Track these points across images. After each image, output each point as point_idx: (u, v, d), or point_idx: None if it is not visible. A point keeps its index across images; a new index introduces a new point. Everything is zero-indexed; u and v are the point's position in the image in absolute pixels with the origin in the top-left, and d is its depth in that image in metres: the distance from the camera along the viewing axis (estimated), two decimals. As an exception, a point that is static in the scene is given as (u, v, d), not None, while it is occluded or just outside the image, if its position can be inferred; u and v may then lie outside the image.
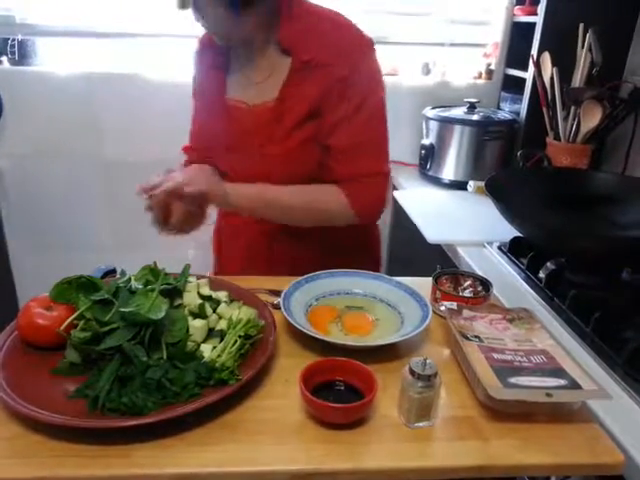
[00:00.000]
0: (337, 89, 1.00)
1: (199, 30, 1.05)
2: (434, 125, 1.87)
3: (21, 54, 1.91)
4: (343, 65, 0.99)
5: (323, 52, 0.99)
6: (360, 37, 1.03)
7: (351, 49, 1.01)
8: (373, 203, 1.08)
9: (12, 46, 1.89)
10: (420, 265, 1.67)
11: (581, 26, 1.58)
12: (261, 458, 0.63)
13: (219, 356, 0.73)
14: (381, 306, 0.94)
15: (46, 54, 1.96)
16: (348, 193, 1.04)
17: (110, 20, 1.90)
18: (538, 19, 1.70)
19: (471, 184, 1.78)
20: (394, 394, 0.71)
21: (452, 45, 2.07)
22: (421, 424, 0.68)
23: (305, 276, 0.96)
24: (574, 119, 1.59)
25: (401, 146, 2.07)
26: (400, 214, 1.71)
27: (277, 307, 0.91)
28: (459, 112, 1.87)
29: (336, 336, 0.85)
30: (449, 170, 1.86)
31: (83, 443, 0.63)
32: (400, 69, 2.06)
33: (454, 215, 1.61)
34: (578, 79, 1.60)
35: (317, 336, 0.81)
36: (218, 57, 1.10)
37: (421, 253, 1.58)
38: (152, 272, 0.83)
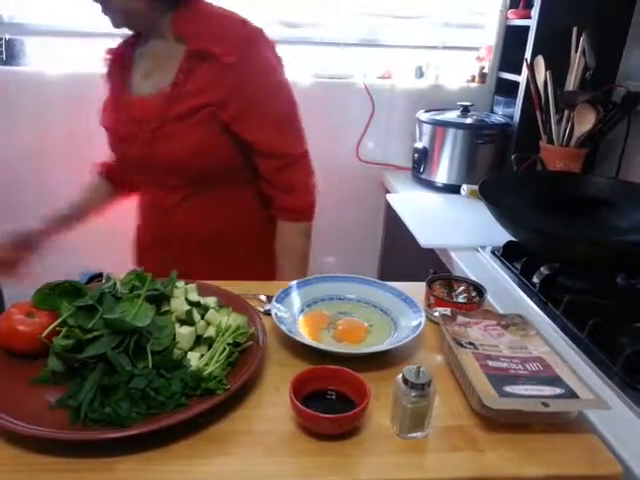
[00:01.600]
0: (230, 78, 1.02)
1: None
2: (427, 128, 1.86)
3: (9, 54, 1.88)
4: (231, 54, 1.01)
5: (214, 42, 1.02)
6: (249, 29, 1.05)
7: (239, 39, 1.03)
8: (309, 202, 1.14)
9: (0, 45, 1.85)
10: (413, 269, 1.66)
11: (574, 30, 1.58)
12: (250, 471, 0.61)
13: (207, 364, 0.71)
14: (374, 312, 0.92)
15: (35, 54, 1.93)
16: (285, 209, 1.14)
17: (100, 20, 1.87)
18: (532, 22, 1.69)
19: (464, 188, 1.76)
20: (387, 403, 0.69)
21: (445, 48, 2.06)
22: (414, 434, 0.66)
23: (296, 281, 0.94)
24: (567, 123, 1.59)
25: (394, 149, 2.06)
26: (393, 218, 1.69)
27: (267, 313, 0.89)
28: (452, 115, 1.86)
29: (328, 343, 0.84)
30: (442, 174, 1.85)
31: (63, 456, 0.61)
32: (393, 72, 2.05)
33: (447, 219, 1.59)
34: (571, 83, 1.59)
35: (308, 343, 0.79)
36: (124, 57, 1.15)
37: (414, 257, 1.57)
38: (138, 277, 0.80)
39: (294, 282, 0.94)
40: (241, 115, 1.04)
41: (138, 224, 1.24)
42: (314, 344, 0.79)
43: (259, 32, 1.06)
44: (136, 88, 1.12)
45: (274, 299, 0.88)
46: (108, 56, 1.18)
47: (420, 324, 0.83)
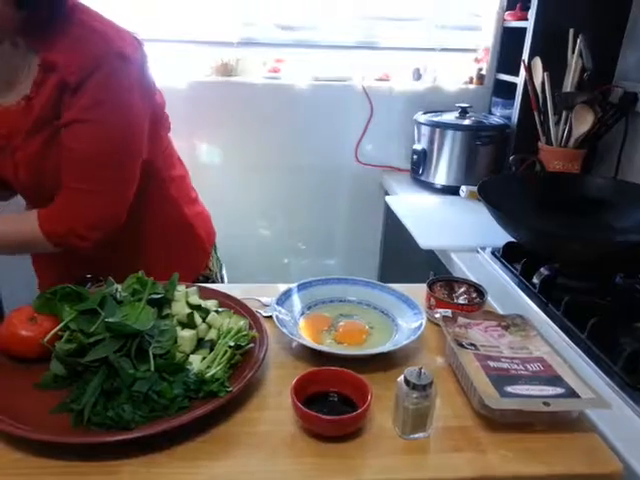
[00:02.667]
0: (66, 96, 0.93)
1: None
2: (426, 130, 1.86)
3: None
4: (76, 72, 0.91)
5: (65, 56, 0.92)
6: (117, 48, 0.94)
7: (93, 58, 0.92)
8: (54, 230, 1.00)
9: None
10: (413, 271, 1.66)
11: (571, 31, 1.58)
12: (253, 472, 0.61)
13: (209, 367, 0.71)
14: (375, 314, 0.92)
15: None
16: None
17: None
18: (529, 24, 1.70)
19: (463, 189, 1.77)
20: (389, 405, 0.69)
21: (443, 50, 2.07)
22: (416, 435, 0.66)
23: (296, 284, 0.95)
24: (565, 124, 1.59)
25: (393, 151, 2.07)
26: (393, 219, 1.70)
27: (268, 316, 0.89)
28: (451, 117, 1.87)
29: (329, 345, 0.84)
30: (441, 175, 1.86)
31: (67, 459, 0.61)
32: (391, 74, 2.06)
33: (447, 220, 1.60)
34: (569, 84, 1.60)
35: (309, 345, 0.79)
36: None
37: (414, 259, 1.57)
38: (140, 281, 0.81)
39: (295, 285, 0.94)
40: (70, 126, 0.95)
41: None
42: (315, 346, 0.80)
43: (126, 57, 0.94)
44: None
45: (275, 301, 0.89)
46: None
47: (421, 325, 0.84)
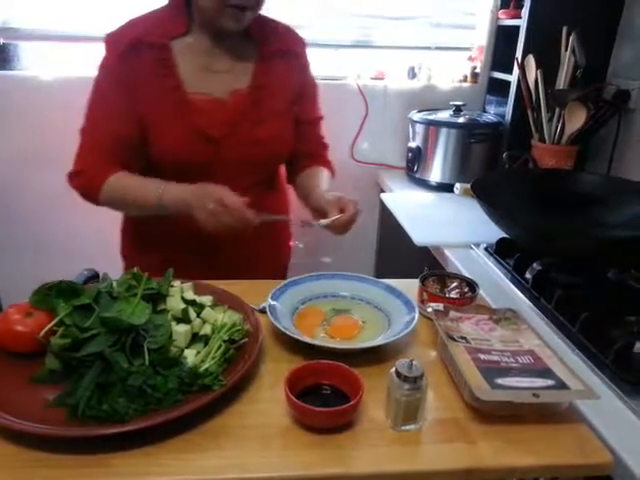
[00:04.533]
0: (305, 74, 1.19)
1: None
2: (420, 128, 1.87)
3: (3, 58, 1.89)
4: (302, 53, 1.18)
5: (283, 42, 1.14)
6: (293, 30, 1.19)
7: (298, 39, 1.18)
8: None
9: (-6, 50, 1.86)
10: (408, 267, 1.67)
11: (564, 29, 1.59)
12: (246, 465, 0.62)
13: (203, 361, 0.72)
14: (368, 308, 0.93)
15: (30, 58, 1.93)
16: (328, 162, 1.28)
17: (95, 24, 1.88)
18: (522, 22, 1.71)
19: (458, 186, 1.78)
20: (381, 397, 0.70)
21: (437, 49, 2.08)
22: (408, 427, 0.67)
23: (290, 279, 0.95)
24: (559, 121, 1.60)
25: (388, 149, 2.08)
26: (388, 217, 1.70)
27: (263, 311, 0.90)
28: (445, 115, 1.88)
29: (323, 339, 0.85)
30: (436, 173, 1.86)
31: (61, 453, 0.62)
32: (386, 73, 2.06)
33: (441, 217, 1.60)
34: (562, 81, 1.61)
35: (303, 339, 0.80)
36: (162, 53, 1.05)
37: (409, 255, 1.58)
38: (135, 277, 0.81)
39: (288, 280, 0.95)
40: (302, 96, 1.19)
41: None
42: (309, 340, 0.80)
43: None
44: (192, 87, 1.06)
45: (270, 296, 0.89)
46: (127, 49, 1.03)
47: (413, 319, 0.85)
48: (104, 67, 1.08)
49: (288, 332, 0.81)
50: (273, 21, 1.16)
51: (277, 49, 1.12)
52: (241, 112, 1.09)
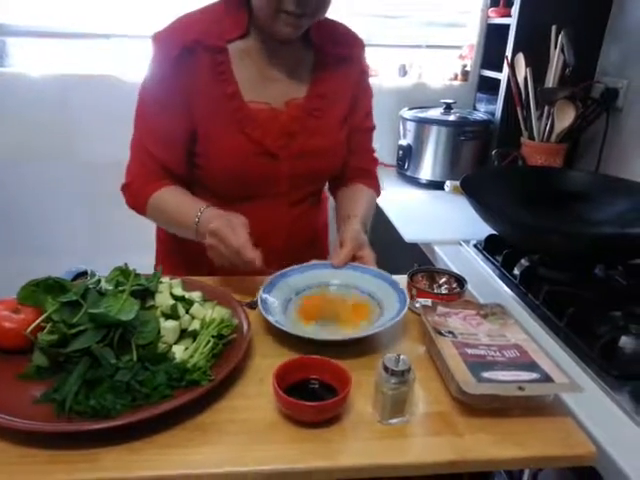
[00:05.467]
0: (362, 80, 1.11)
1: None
2: (411, 126, 1.88)
3: (-8, 55, 1.88)
4: (361, 57, 1.10)
5: (343, 45, 1.06)
6: (353, 31, 1.11)
7: (358, 41, 1.10)
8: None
9: (-18, 47, 1.85)
10: (398, 264, 1.67)
11: (554, 28, 1.60)
12: (234, 459, 0.62)
13: (191, 357, 0.72)
14: (361, 296, 0.93)
15: (18, 55, 1.92)
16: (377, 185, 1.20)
17: (84, 20, 1.87)
18: (512, 21, 1.72)
19: (448, 184, 1.79)
20: (369, 391, 0.71)
21: (428, 47, 2.09)
22: (395, 420, 0.68)
23: (282, 270, 0.95)
24: (548, 119, 1.62)
25: (379, 147, 2.07)
26: (378, 214, 1.71)
27: (252, 307, 0.90)
28: (435, 113, 1.89)
29: (318, 326, 0.85)
30: (426, 170, 1.87)
31: (50, 448, 0.62)
32: (377, 71, 2.07)
33: (431, 214, 1.61)
34: (551, 79, 1.62)
35: (294, 333, 0.80)
36: (219, 57, 0.97)
37: (399, 252, 1.58)
38: (123, 273, 0.81)
39: (280, 272, 0.95)
40: (356, 103, 1.12)
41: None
42: (298, 333, 0.80)
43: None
44: (249, 96, 1.00)
45: (262, 289, 0.89)
46: (181, 52, 0.94)
47: (405, 303, 0.85)
48: (154, 71, 0.98)
49: (278, 325, 0.81)
50: (332, 22, 1.07)
51: (336, 54, 1.04)
52: (298, 123, 1.02)
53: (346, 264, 0.97)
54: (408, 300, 0.87)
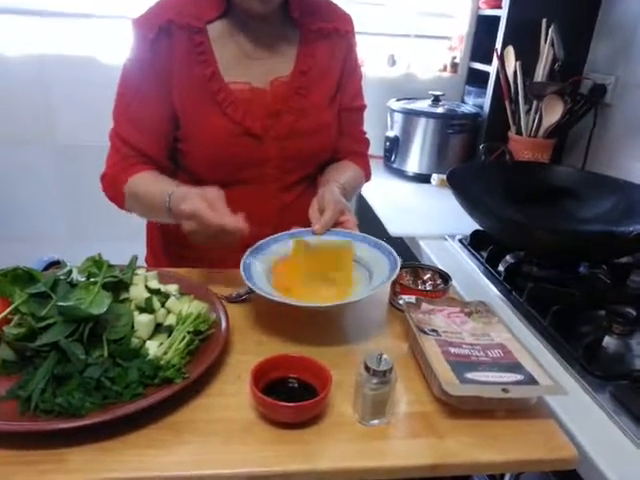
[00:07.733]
0: (350, 57, 1.08)
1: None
2: (399, 117, 1.85)
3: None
4: (348, 33, 1.06)
5: (326, 19, 1.03)
6: (339, 7, 1.09)
7: (344, 17, 1.07)
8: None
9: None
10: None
11: (544, 21, 1.59)
12: (209, 461, 0.60)
13: (165, 353, 0.69)
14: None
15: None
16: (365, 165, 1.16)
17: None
18: (502, 12, 1.70)
19: (435, 177, 1.77)
20: (350, 390, 0.69)
21: (417, 37, 2.06)
22: (376, 421, 0.66)
23: (270, 237, 0.92)
24: (536, 113, 1.60)
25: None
26: (364, 206, 1.69)
27: (231, 301, 0.87)
28: (424, 105, 1.86)
29: (301, 295, 0.82)
30: (413, 163, 1.85)
31: (15, 448, 0.59)
32: (365, 60, 2.03)
33: (417, 208, 1.60)
34: (540, 74, 1.61)
35: (274, 299, 0.78)
36: (197, 37, 0.94)
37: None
38: (96, 264, 0.78)
39: (267, 238, 0.92)
40: (345, 80, 1.08)
41: None
42: (281, 299, 0.78)
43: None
44: (230, 76, 0.97)
45: (249, 251, 0.87)
46: (157, 33, 0.92)
47: (396, 264, 0.83)
48: (132, 56, 0.96)
49: (260, 291, 0.78)
50: None
51: (319, 28, 1.02)
52: (283, 102, 0.99)
53: (328, 230, 0.93)
54: (399, 261, 0.84)
